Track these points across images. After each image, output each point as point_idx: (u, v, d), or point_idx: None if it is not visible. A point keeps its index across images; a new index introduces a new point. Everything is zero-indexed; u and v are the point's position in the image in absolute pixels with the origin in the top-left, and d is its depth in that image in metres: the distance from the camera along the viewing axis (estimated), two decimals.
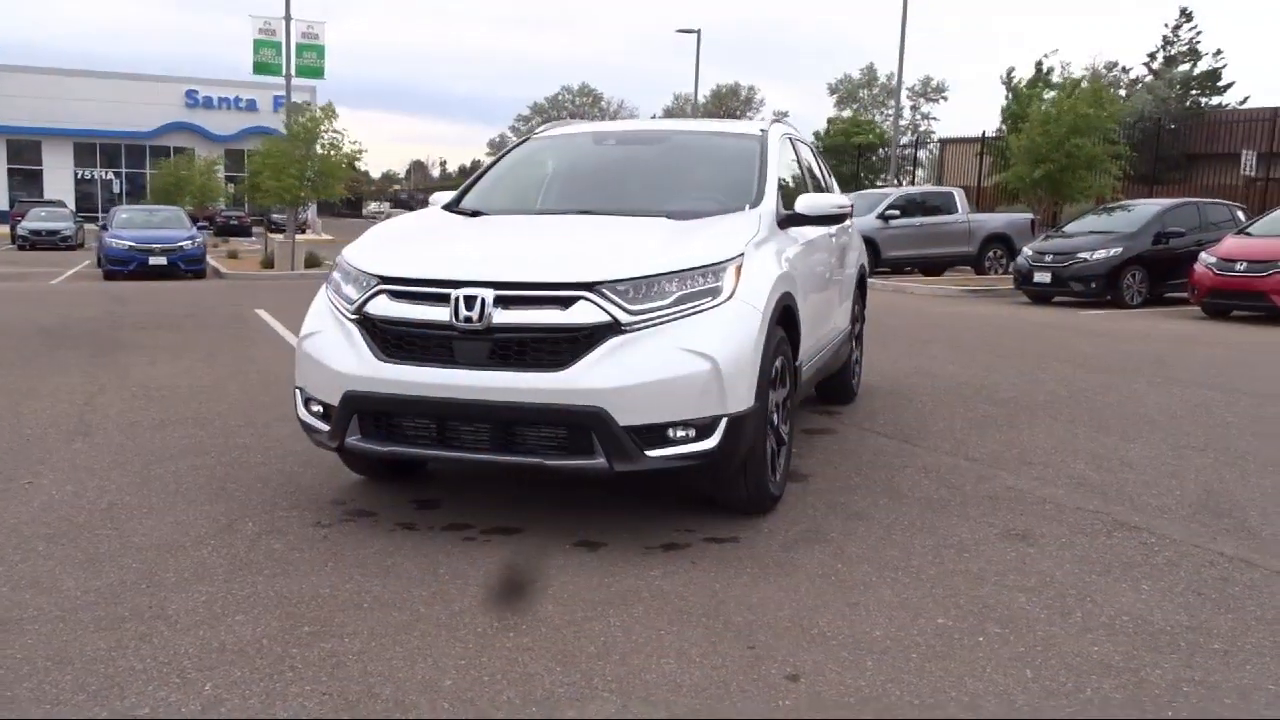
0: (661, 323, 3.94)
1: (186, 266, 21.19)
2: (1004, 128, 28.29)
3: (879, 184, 38.65)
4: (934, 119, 46.44)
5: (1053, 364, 9.45)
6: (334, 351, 4.23)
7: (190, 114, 60.00)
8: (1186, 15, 42.89)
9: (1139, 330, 12.51)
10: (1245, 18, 77.91)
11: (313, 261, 24.48)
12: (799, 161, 6.16)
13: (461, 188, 5.62)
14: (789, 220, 5.08)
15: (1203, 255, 14.00)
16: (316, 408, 4.37)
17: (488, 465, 4.23)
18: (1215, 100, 42.64)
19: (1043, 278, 15.79)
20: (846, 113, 47.14)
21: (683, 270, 4.05)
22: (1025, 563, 3.98)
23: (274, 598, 3.54)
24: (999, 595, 3.63)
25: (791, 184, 5.64)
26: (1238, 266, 13.32)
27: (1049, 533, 4.34)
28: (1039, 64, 31.32)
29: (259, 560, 3.92)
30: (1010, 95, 29.28)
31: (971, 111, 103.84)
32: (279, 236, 27.83)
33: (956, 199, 21.77)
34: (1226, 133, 34.94)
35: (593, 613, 3.43)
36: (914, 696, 2.87)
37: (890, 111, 46.40)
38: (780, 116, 46.03)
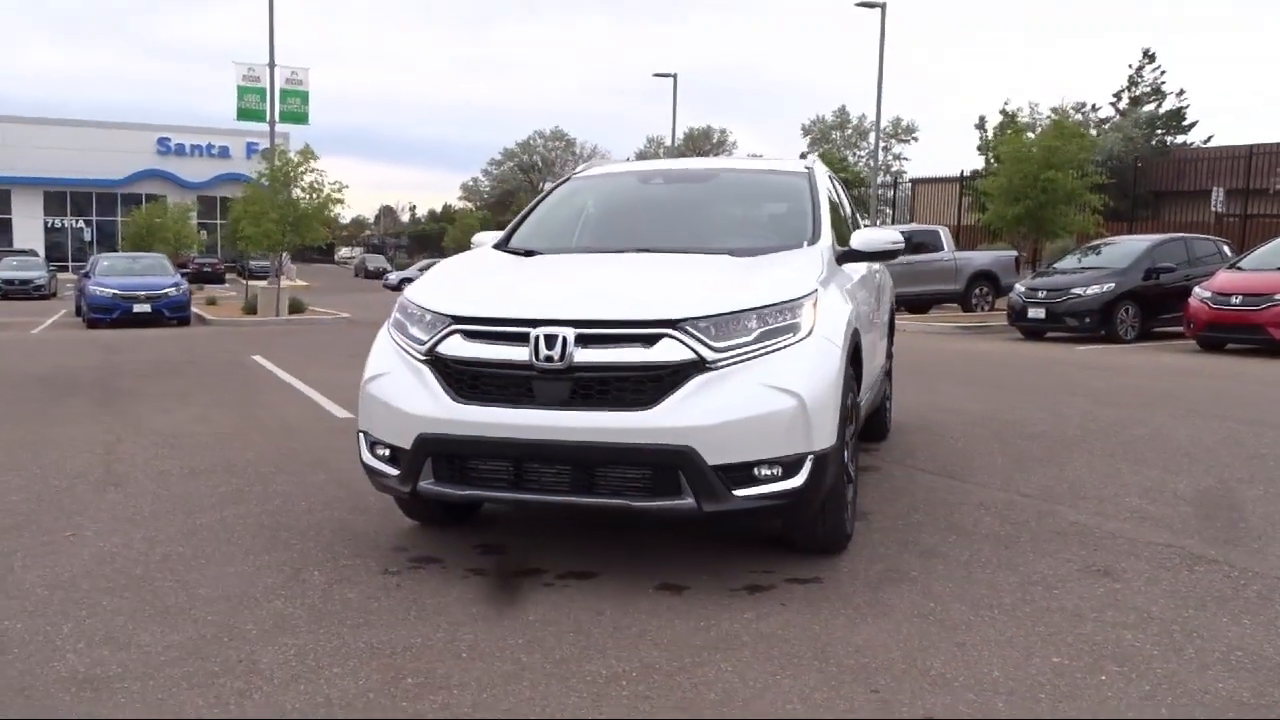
0: (745, 360, 3.89)
1: (171, 314, 20.96)
2: (988, 163, 28.76)
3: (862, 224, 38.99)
4: (905, 159, 47.10)
5: (1069, 398, 9.47)
6: (404, 393, 4.14)
7: (162, 161, 59.79)
8: (1149, 56, 43.93)
9: (1140, 364, 12.60)
10: (1205, 59, 80.00)
11: (296, 307, 24.32)
12: (835, 197, 6.16)
13: (508, 228, 5.56)
14: (844, 256, 5.06)
15: (1197, 290, 14.17)
16: (383, 451, 4.26)
17: (567, 508, 4.13)
18: (1180, 139, 43.55)
19: (1037, 313, 15.92)
20: (818, 153, 47.81)
21: (762, 307, 4.00)
22: (1117, 599, 3.92)
23: (365, 649, 3.42)
24: (1104, 632, 3.57)
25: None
26: (1233, 300, 13.49)
27: (1130, 568, 4.30)
28: (1003, 110, 32.05)
29: (337, 610, 3.80)
30: (986, 135, 29.76)
31: (940, 152, 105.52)
32: (262, 283, 27.63)
33: (942, 237, 22.01)
34: (1193, 170, 35.66)
35: (699, 658, 3.34)
36: None
37: (863, 152, 47.09)
38: (756, 157, 46.42)
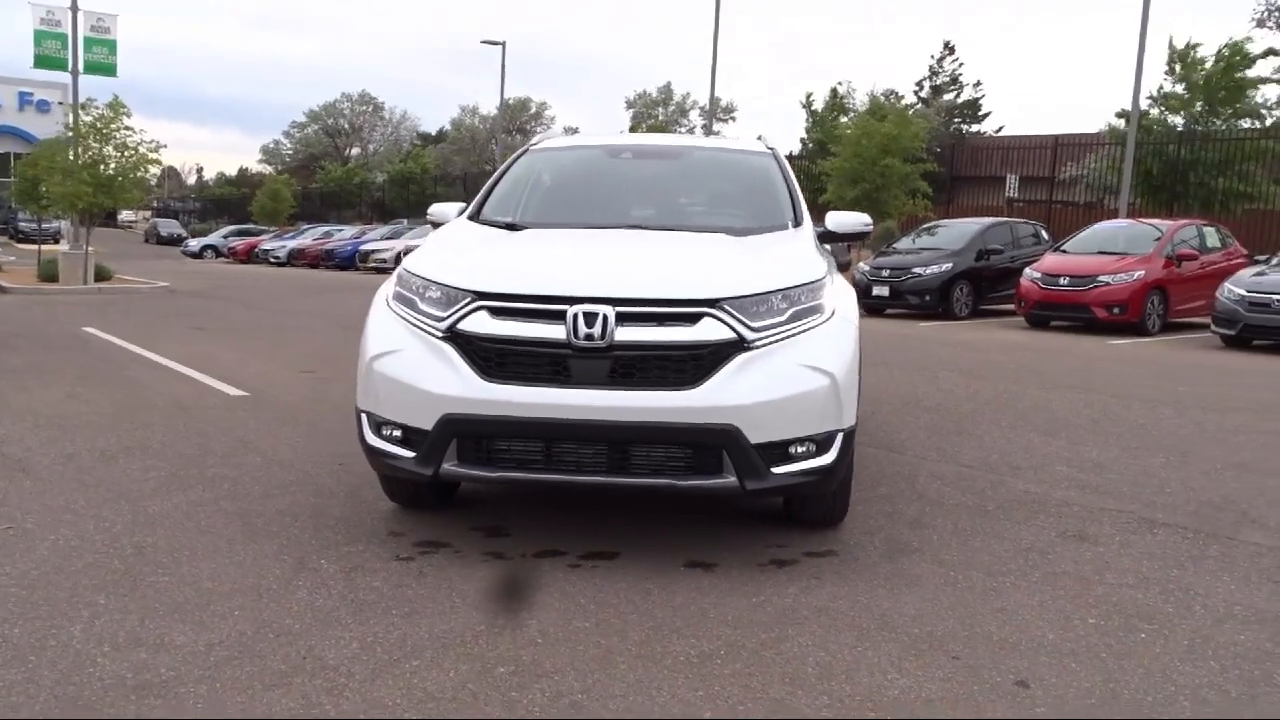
0: (780, 339, 3.94)
1: None
2: (805, 145, 29.86)
3: None
4: (724, 138, 48.10)
5: (941, 373, 10.03)
6: (424, 372, 3.96)
7: None
8: (950, 48, 46.64)
9: (985, 340, 13.46)
10: (998, 52, 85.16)
11: (103, 275, 22.58)
12: None
13: (476, 200, 5.38)
14: (821, 238, 5.19)
15: (1028, 271, 15.24)
16: (394, 433, 4.07)
17: (602, 488, 4.07)
18: (975, 127, 46.52)
19: (881, 291, 16.72)
20: (642, 129, 48.29)
21: (790, 288, 4.06)
22: (1107, 562, 4.23)
23: (432, 639, 3.29)
24: (1117, 594, 3.85)
25: None
26: (1061, 281, 14.59)
27: (1100, 533, 4.63)
28: (834, 90, 33.44)
29: (374, 600, 3.63)
30: (811, 119, 30.90)
31: (754, 133, 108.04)
32: (60, 247, 25.47)
33: None
34: (986, 157, 38.22)
35: (774, 633, 3.39)
36: (1145, 694, 3.02)
37: (683, 129, 47.89)
38: (572, 130, 45.91)
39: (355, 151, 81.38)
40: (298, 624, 3.40)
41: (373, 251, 32.64)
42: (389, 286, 4.39)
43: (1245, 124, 22.48)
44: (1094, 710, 2.91)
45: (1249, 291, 12.53)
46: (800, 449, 3.93)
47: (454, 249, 4.55)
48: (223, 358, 10.08)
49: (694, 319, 3.85)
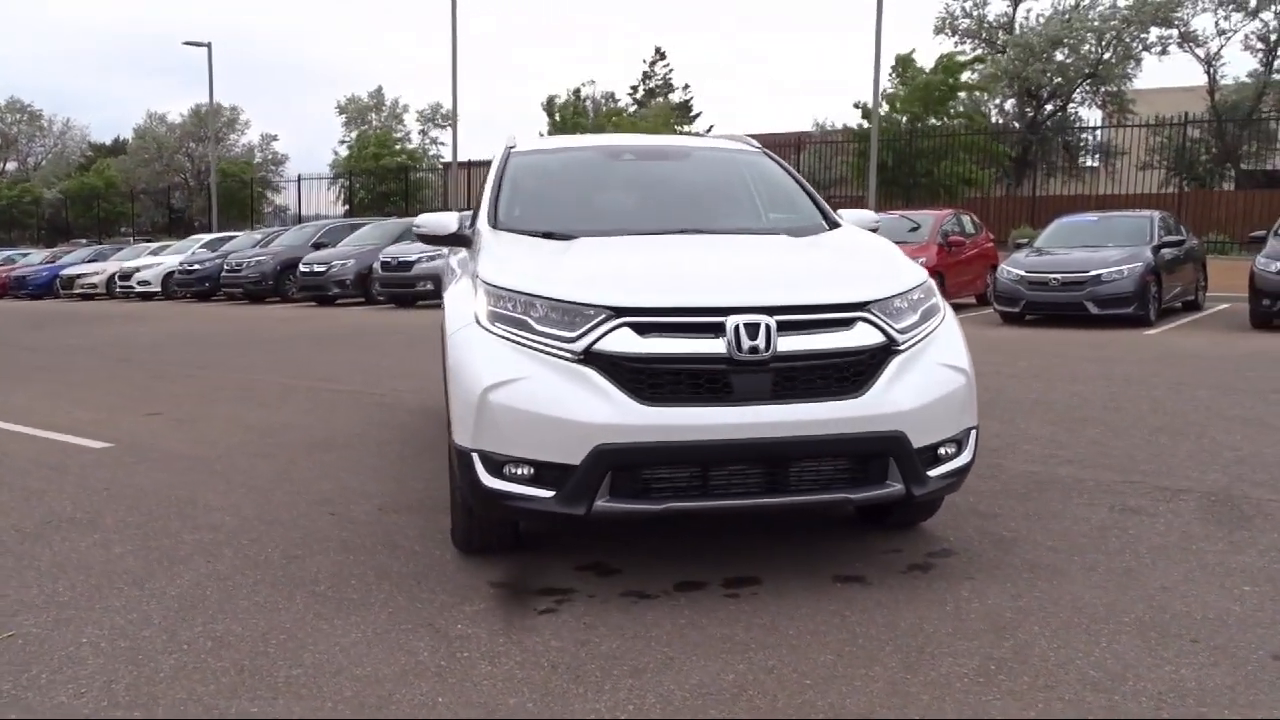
0: (919, 340, 3.88)
1: None
2: None
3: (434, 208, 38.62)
4: (442, 144, 47.42)
5: None
6: (563, 400, 3.55)
7: None
8: (660, 53, 48.30)
9: None
10: (705, 56, 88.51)
11: None
12: None
13: (486, 210, 4.88)
14: None
15: None
16: (522, 470, 3.62)
17: (766, 510, 3.81)
18: (688, 128, 48.42)
19: None
20: (354, 133, 46.40)
21: (913, 288, 4.01)
22: (1183, 531, 4.48)
23: (698, 696, 2.96)
24: (1230, 560, 4.09)
25: None
26: None
27: (1142, 505, 4.90)
28: (576, 92, 34.03)
29: (570, 663, 3.21)
30: (554, 120, 31.11)
31: (471, 136, 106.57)
32: None
33: None
34: None
35: (1009, 640, 3.32)
36: None
37: (398, 135, 46.44)
38: (271, 138, 42.72)
39: (11, 166, 72.66)
40: (528, 701, 2.95)
41: (78, 276, 29.26)
42: (477, 305, 3.89)
43: (957, 124, 24.89)
44: None
45: (1028, 272, 13.83)
46: (945, 450, 3.88)
47: (541, 260, 4.11)
48: (18, 404, 8.64)
49: (849, 324, 3.71)
